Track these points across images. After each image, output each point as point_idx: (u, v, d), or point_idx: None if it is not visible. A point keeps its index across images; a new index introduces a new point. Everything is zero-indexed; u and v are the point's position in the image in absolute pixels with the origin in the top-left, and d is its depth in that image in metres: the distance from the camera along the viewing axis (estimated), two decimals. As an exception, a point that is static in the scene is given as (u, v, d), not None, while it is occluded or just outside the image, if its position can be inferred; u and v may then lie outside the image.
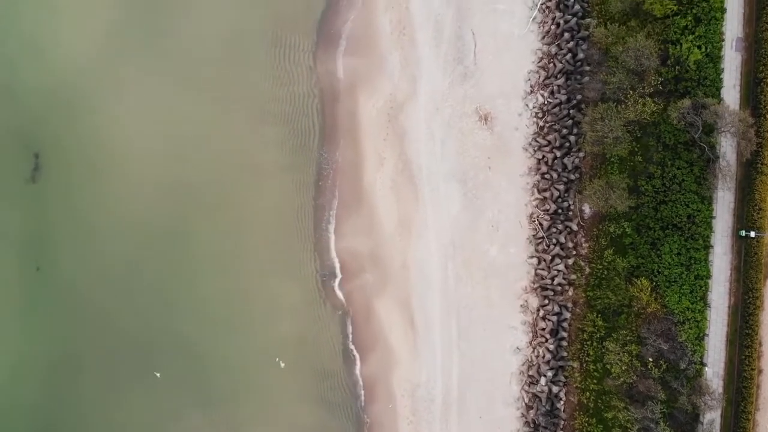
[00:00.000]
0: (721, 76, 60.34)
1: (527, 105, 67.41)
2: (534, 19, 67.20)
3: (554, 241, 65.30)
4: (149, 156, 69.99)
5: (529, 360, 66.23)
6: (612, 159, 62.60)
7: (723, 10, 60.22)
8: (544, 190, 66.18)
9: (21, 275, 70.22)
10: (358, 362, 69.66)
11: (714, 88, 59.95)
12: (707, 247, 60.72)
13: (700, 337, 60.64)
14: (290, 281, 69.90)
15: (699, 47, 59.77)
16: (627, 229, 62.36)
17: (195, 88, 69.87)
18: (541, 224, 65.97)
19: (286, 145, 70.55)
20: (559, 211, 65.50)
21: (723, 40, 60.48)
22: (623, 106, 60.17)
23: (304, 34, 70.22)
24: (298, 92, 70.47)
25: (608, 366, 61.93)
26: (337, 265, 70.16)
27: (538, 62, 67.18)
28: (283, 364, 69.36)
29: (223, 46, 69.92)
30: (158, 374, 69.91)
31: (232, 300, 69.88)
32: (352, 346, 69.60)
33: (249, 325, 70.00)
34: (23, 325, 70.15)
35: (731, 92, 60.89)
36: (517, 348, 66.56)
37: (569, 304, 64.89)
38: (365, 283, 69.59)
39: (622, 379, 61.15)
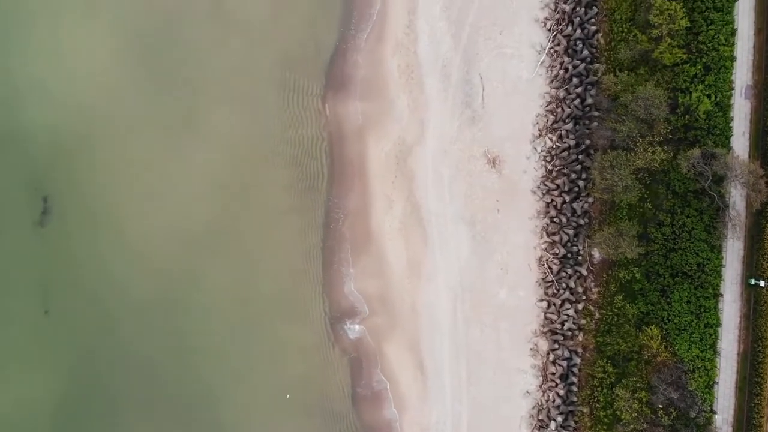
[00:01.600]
0: (730, 125, 60.43)
1: (535, 148, 67.54)
2: (542, 63, 67.30)
3: (564, 285, 65.40)
4: (158, 199, 70.06)
5: (539, 404, 66.34)
6: (621, 205, 62.68)
7: (733, 59, 60.31)
8: (553, 234, 66.29)
9: (30, 319, 70.18)
10: (367, 405, 69.67)
11: (723, 137, 60.04)
12: (717, 295, 60.82)
13: (709, 385, 60.72)
14: (299, 324, 70.00)
15: (708, 96, 59.84)
16: (636, 275, 62.47)
17: (203, 131, 69.93)
18: (550, 268, 66.07)
19: (295, 187, 70.64)
20: (569, 255, 65.59)
21: (732, 89, 60.57)
22: (633, 154, 60.20)
23: (312, 77, 70.33)
24: (307, 135, 70.57)
25: (618, 412, 61.98)
26: (346, 308, 70.16)
27: (546, 106, 67.29)
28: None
29: (232, 89, 70.02)
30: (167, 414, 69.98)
31: (241, 343, 69.89)
32: (361, 390, 69.60)
33: (257, 368, 69.99)
34: (31, 368, 70.09)
35: (740, 140, 60.98)
36: (527, 392, 66.66)
37: (579, 350, 65.01)
38: (374, 325, 69.68)
39: (632, 426, 61.21)
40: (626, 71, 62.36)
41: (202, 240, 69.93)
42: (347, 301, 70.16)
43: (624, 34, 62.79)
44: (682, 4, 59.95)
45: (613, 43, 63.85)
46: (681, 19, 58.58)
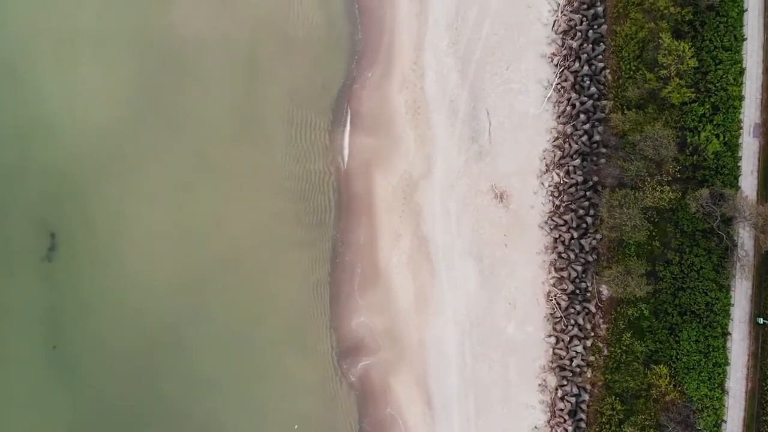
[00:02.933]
0: (739, 164, 60.52)
1: (543, 183, 67.55)
2: (549, 98, 67.29)
3: (572, 321, 65.46)
4: (164, 235, 69.98)
5: (548, 440, 66.50)
6: (630, 243, 62.71)
7: (741, 98, 60.37)
8: (561, 270, 66.33)
9: (37, 354, 70.13)
10: (375, 441, 69.89)
11: (732, 176, 60.13)
12: (725, 334, 60.97)
13: (718, 424, 60.87)
14: (306, 358, 69.93)
15: (717, 136, 59.91)
16: (645, 312, 62.59)
17: (211, 166, 69.91)
18: (558, 304, 66.14)
19: (302, 221, 70.62)
20: (577, 291, 65.63)
21: (741, 128, 60.64)
22: (641, 193, 60.25)
23: (320, 112, 70.33)
24: (314, 170, 70.56)
25: (627, 450, 62.23)
26: (353, 343, 70.20)
27: (554, 141, 67.28)
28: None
29: (239, 124, 69.99)
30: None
31: (248, 377, 69.94)
32: (368, 425, 69.65)
33: (265, 402, 70.10)
34: (40, 403, 70.06)
35: (749, 179, 61.07)
36: (536, 427, 66.73)
37: (587, 386, 65.08)
38: (381, 360, 69.69)
39: (641, 464, 61.50)
40: (634, 109, 62.34)
41: (208, 275, 69.91)
42: (354, 336, 70.16)
43: (632, 72, 62.76)
44: (690, 43, 60.00)
45: (620, 80, 63.80)
46: (689, 59, 58.57)
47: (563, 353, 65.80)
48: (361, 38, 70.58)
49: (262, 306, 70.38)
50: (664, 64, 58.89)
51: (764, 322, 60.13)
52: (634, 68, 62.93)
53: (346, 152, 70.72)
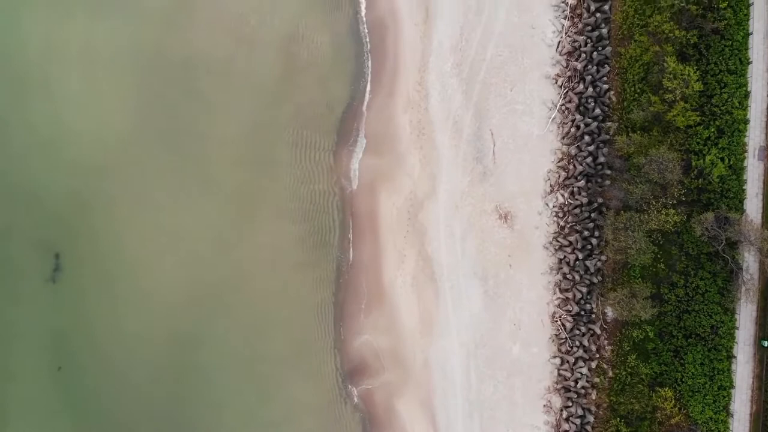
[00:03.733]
0: (744, 187, 60.55)
1: (547, 204, 67.58)
2: (553, 119, 67.30)
3: (577, 343, 65.49)
4: (169, 255, 69.99)
5: (553, 461, 66.57)
6: (635, 265, 62.74)
7: (746, 122, 60.38)
8: (566, 291, 66.37)
9: (43, 375, 70.15)
10: (380, 462, 69.95)
11: (737, 199, 60.17)
12: (730, 357, 61.01)
13: (723, 447, 61.02)
14: (310, 379, 69.96)
15: (722, 159, 59.92)
16: (650, 334, 62.62)
17: (216, 187, 69.91)
18: (563, 325, 66.17)
19: (307, 242, 70.63)
20: (582, 313, 65.66)
21: (746, 151, 60.64)
22: (646, 216, 60.25)
23: (324, 133, 70.36)
24: (319, 190, 70.60)
25: (632, 472, 62.35)
26: (358, 363, 70.21)
27: (558, 162, 67.31)
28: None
29: (244, 145, 70.01)
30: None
31: (252, 398, 69.98)
32: (374, 446, 69.84)
33: (268, 424, 70.04)
34: (45, 425, 70.13)
35: (754, 201, 61.09)
36: (540, 448, 66.86)
37: (592, 408, 65.11)
38: (386, 381, 69.72)
39: (646, 487, 61.58)
40: (639, 132, 62.36)
41: (213, 296, 69.94)
42: (359, 357, 70.21)
43: (636, 95, 62.78)
44: (695, 66, 60.06)
45: (625, 102, 63.82)
46: (695, 82, 58.58)
47: (568, 374, 65.83)
48: (366, 59, 70.54)
49: (267, 327, 70.41)
50: (669, 88, 58.86)
51: (769, 345, 60.26)
52: (638, 90, 62.94)
53: (350, 173, 70.73)
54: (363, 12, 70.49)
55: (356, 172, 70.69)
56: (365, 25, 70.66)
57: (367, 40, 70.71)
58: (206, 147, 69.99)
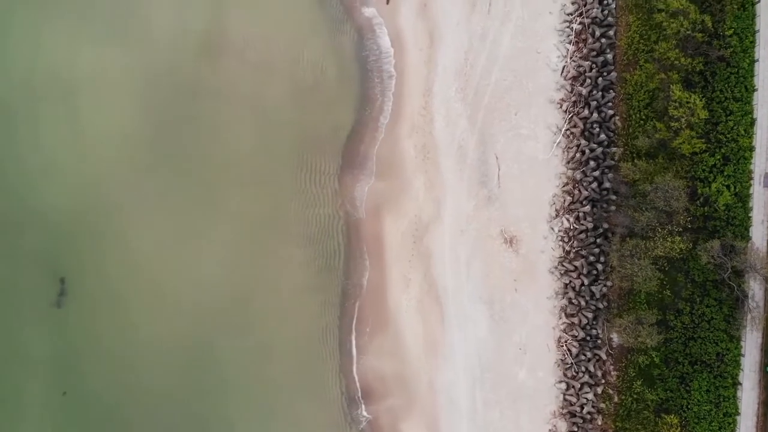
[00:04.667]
0: (749, 215, 60.53)
1: (553, 228, 67.58)
2: (558, 144, 67.31)
3: (583, 368, 65.52)
4: (174, 279, 70.15)
5: (558, 486, 66.60)
6: (640, 292, 62.77)
7: (752, 149, 60.38)
8: (572, 316, 66.39)
9: (48, 400, 70.24)
10: (386, 487, 69.98)
11: (743, 227, 60.16)
12: (736, 384, 61.03)
13: (729, 474, 61.05)
14: (315, 404, 70.06)
15: (728, 187, 59.93)
16: (656, 360, 62.63)
17: (220, 211, 70.01)
18: (569, 350, 66.18)
19: (312, 266, 70.72)
20: (588, 338, 65.68)
21: (752, 178, 60.63)
22: (651, 243, 60.25)
23: (329, 157, 70.43)
24: (324, 214, 70.67)
25: (638, 499, 62.38)
26: (363, 388, 70.27)
27: (563, 186, 67.31)
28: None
29: (249, 169, 70.12)
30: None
31: (257, 422, 70.15)
32: (379, 471, 69.88)
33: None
34: (51, 449, 70.32)
35: (759, 228, 61.07)
36: (546, 473, 66.89)
37: (598, 433, 65.27)
38: (391, 405, 69.76)
39: None
40: (644, 158, 62.35)
41: (218, 320, 70.04)
42: (364, 381, 70.25)
43: (642, 121, 62.79)
44: (700, 94, 60.08)
45: (630, 128, 63.85)
46: (700, 110, 58.54)
47: (574, 400, 65.87)
48: (371, 83, 70.54)
49: (272, 351, 70.44)
50: (675, 116, 58.84)
51: (775, 373, 60.29)
52: (644, 117, 62.96)
53: (355, 196, 70.73)
54: (367, 37, 70.31)
55: (361, 196, 70.69)
56: (369, 50, 70.54)
57: (372, 64, 70.59)
58: (211, 171, 70.09)
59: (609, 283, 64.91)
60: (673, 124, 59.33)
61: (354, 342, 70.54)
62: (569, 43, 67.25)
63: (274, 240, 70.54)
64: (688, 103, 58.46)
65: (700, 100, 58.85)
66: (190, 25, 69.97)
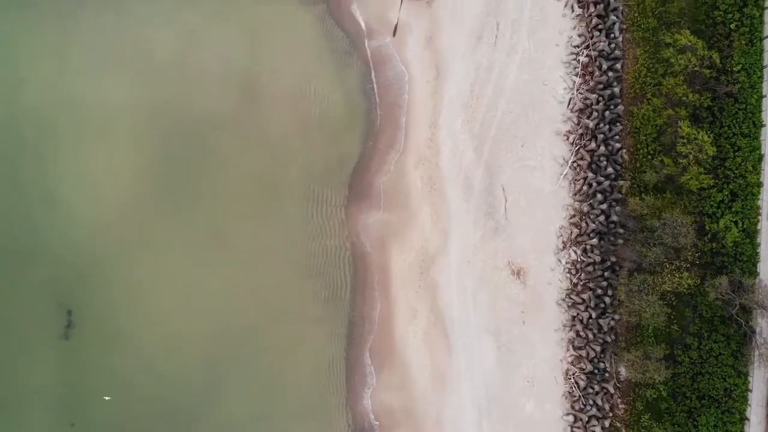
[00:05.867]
0: (758, 251, 60.40)
1: (560, 260, 67.50)
2: (564, 175, 67.22)
3: (590, 401, 65.47)
4: (180, 312, 70.19)
5: None
6: (648, 326, 62.72)
7: (760, 185, 60.25)
8: (580, 348, 66.32)
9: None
10: None
11: (751, 263, 60.06)
12: (743, 419, 60.97)
13: None
14: (322, 436, 70.22)
15: (736, 223, 59.83)
16: (663, 393, 62.60)
17: (227, 243, 70.02)
18: (577, 383, 66.13)
19: (318, 297, 70.75)
20: (596, 371, 65.61)
21: (760, 214, 60.52)
22: (659, 278, 60.18)
23: (336, 188, 70.43)
24: (330, 245, 70.66)
25: None
26: (370, 420, 70.28)
27: (570, 218, 67.21)
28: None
29: (255, 201, 70.16)
30: None
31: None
32: (387, 503, 69.91)
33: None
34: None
35: (767, 264, 60.94)
36: (554, 506, 66.86)
37: (606, 467, 65.21)
38: (399, 438, 69.90)
39: None
40: (652, 193, 62.29)
41: (224, 352, 70.18)
42: (371, 413, 70.23)
43: (650, 156, 62.70)
44: (708, 129, 60.01)
45: (638, 163, 63.75)
46: (708, 146, 58.43)
47: (581, 432, 65.93)
48: (377, 115, 70.53)
49: (279, 383, 70.57)
50: (683, 153, 58.76)
51: (784, 408, 60.21)
52: (651, 151, 62.85)
53: (362, 228, 70.68)
54: (373, 69, 70.29)
55: (368, 228, 70.65)
56: (376, 81, 70.51)
57: (378, 96, 70.56)
58: (218, 203, 70.11)
59: (617, 317, 64.84)
60: (681, 160, 59.25)
61: (361, 374, 70.47)
62: (576, 75, 67.14)
63: (280, 271, 70.58)
64: (696, 139, 58.38)
65: (708, 137, 58.76)
66: (197, 60, 69.87)
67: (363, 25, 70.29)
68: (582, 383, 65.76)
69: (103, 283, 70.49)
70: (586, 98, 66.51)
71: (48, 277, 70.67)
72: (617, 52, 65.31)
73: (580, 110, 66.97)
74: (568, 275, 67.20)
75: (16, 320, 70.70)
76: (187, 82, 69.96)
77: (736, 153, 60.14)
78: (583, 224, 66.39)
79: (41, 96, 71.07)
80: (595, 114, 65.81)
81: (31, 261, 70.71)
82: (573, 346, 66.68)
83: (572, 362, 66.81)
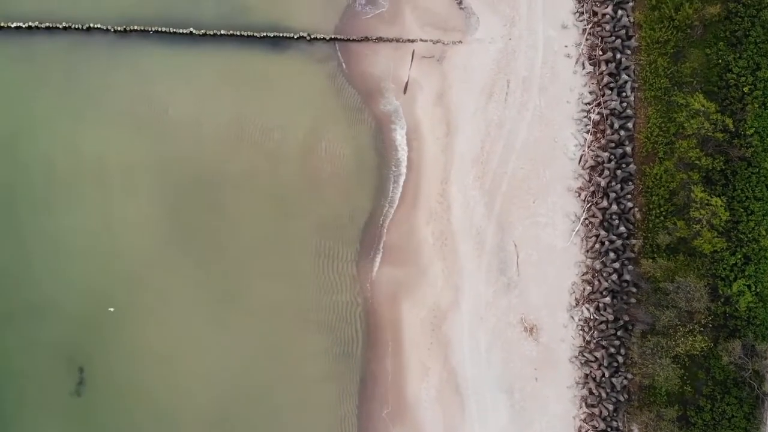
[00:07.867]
0: (771, 314, 60.52)
1: (573, 317, 67.54)
2: (576, 232, 67.25)
3: (603, 460, 65.53)
4: (192, 370, 69.87)
5: None
6: (661, 387, 62.75)
7: (772, 248, 60.35)
8: (593, 406, 66.31)
9: (68, 489, 70.25)
10: None
11: (764, 327, 60.17)
12: (758, 481, 61.12)
13: None
14: (335, 495, 69.99)
15: (749, 287, 59.87)
16: (676, 453, 62.68)
17: (238, 300, 69.83)
18: (589, 441, 66.21)
19: (330, 353, 70.44)
20: (608, 430, 65.59)
21: (773, 277, 60.63)
22: (672, 342, 60.27)
23: (347, 243, 70.18)
24: (342, 301, 70.46)
25: None
26: (384, 477, 70.25)
27: (582, 275, 67.27)
28: None
29: (267, 257, 69.84)
30: None
31: None
32: None
33: None
34: None
35: (780, 325, 61.07)
36: None
37: None
38: (413, 496, 69.69)
39: None
40: (664, 255, 62.30)
41: (235, 409, 69.78)
42: (385, 471, 70.17)
43: (662, 218, 62.71)
44: (721, 191, 60.08)
45: (650, 224, 63.74)
46: (722, 212, 58.47)
47: (595, 490, 65.89)
48: (389, 171, 70.52)
49: (290, 440, 70.40)
50: (696, 218, 58.79)
51: (798, 471, 60.25)
52: (664, 213, 62.87)
53: (373, 283, 70.59)
54: (384, 126, 70.31)
55: (379, 283, 70.55)
56: (385, 139, 70.52)
57: (388, 153, 70.54)
58: (229, 260, 69.78)
59: (630, 376, 64.84)
60: (694, 225, 59.26)
61: None
62: (587, 132, 67.26)
63: (291, 328, 70.24)
64: (709, 204, 58.46)
65: (722, 201, 58.84)
66: (209, 116, 69.76)
67: (374, 82, 70.24)
68: (595, 441, 65.80)
69: (115, 340, 70.00)
70: (597, 156, 66.57)
71: (59, 334, 70.18)
72: (629, 111, 65.44)
73: (592, 167, 67.04)
74: (580, 332, 67.24)
75: (28, 377, 70.13)
76: (198, 139, 69.73)
77: (750, 217, 60.22)
78: (596, 282, 66.42)
79: (51, 149, 70.57)
80: (606, 172, 65.84)
81: (41, 318, 70.21)
82: (586, 403, 66.70)
83: (585, 419, 66.83)
